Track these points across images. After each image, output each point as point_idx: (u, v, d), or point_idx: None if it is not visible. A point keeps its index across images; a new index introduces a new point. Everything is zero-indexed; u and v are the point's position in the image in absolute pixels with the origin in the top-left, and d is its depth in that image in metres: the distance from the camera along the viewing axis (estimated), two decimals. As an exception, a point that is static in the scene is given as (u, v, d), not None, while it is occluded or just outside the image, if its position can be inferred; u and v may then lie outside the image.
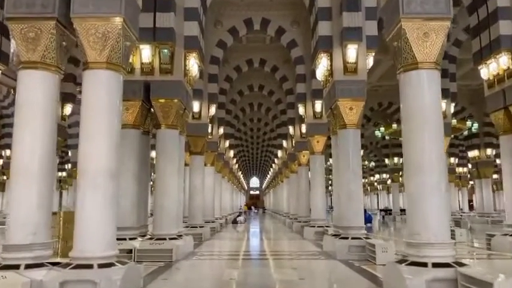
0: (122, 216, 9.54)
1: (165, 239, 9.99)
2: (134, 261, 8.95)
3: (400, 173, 34.13)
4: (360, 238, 10.14)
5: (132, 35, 6.78)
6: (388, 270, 6.67)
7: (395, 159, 34.05)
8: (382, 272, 7.31)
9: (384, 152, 36.11)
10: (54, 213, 8.14)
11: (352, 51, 10.85)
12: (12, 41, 6.44)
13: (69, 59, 14.51)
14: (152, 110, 10.74)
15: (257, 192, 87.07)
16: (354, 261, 9.54)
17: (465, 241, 14.71)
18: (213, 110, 17.67)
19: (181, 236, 10.88)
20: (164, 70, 10.59)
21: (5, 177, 27.30)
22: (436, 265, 5.85)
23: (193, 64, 11.24)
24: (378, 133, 25.91)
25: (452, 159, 27.55)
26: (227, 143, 25.92)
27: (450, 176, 24.46)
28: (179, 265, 9.33)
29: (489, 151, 27.78)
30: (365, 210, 12.11)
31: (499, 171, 33.78)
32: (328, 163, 25.56)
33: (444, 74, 13.53)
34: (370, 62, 11.61)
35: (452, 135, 20.39)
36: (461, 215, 28.77)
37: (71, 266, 5.76)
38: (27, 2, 6.38)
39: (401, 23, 6.54)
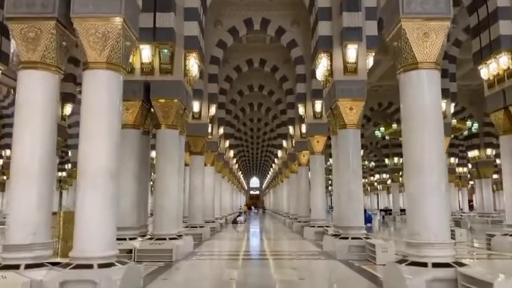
0: (122, 216, 9.53)
1: (165, 239, 9.99)
2: (134, 261, 8.95)
3: (400, 173, 34.12)
4: (360, 238, 10.14)
5: (132, 35, 6.78)
6: (388, 270, 6.66)
7: (395, 159, 34.06)
8: (382, 272, 7.31)
9: (384, 152, 36.11)
10: (54, 213, 8.14)
11: (352, 51, 10.85)
12: (12, 41, 6.44)
13: (69, 59, 14.49)
14: (152, 110, 10.74)
15: (257, 192, 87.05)
16: (354, 261, 9.54)
17: (465, 241, 14.71)
18: (213, 110, 17.67)
19: (181, 236, 10.88)
20: (164, 70, 10.59)
21: (5, 177, 27.30)
22: (436, 265, 5.85)
23: (193, 64, 11.24)
24: (377, 133, 25.92)
25: (452, 159, 27.55)
26: (227, 143, 25.92)
27: (450, 176, 24.46)
28: (179, 265, 9.32)
29: (489, 151, 27.78)
30: (365, 210, 12.12)
31: (499, 171, 33.77)
32: (328, 163, 25.56)
33: (444, 74, 13.53)
34: (370, 62, 11.61)
35: (452, 135, 20.39)
36: (461, 215, 28.76)
37: (71, 266, 5.76)
38: (27, 2, 6.38)
39: (401, 23, 6.54)
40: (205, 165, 17.61)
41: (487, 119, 25.65)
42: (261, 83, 24.49)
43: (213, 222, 18.77)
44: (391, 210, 37.90)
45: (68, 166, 31.20)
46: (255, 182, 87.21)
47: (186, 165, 15.39)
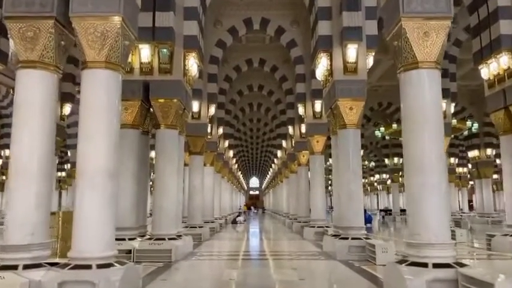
0: (121, 216, 9.50)
1: (164, 239, 9.96)
2: (133, 261, 8.92)
3: (400, 173, 34.09)
4: (360, 238, 10.11)
5: (131, 34, 6.76)
6: (389, 270, 6.64)
7: (395, 159, 34.03)
8: (382, 273, 7.28)
9: (383, 152, 36.08)
10: (53, 213, 8.11)
11: (352, 50, 10.82)
12: (11, 40, 6.41)
13: (68, 59, 14.52)
14: (151, 109, 10.71)
15: (257, 192, 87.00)
16: (354, 261, 9.52)
17: (465, 241, 14.68)
18: (212, 110, 17.64)
19: (180, 236, 10.85)
20: (163, 70, 10.55)
21: (4, 177, 27.25)
22: (436, 265, 5.83)
23: (192, 64, 11.20)
24: (377, 133, 25.89)
25: (452, 159, 27.52)
26: (226, 143, 25.88)
27: (450, 176, 24.41)
28: (178, 265, 9.29)
29: (489, 151, 27.75)
30: (365, 211, 12.08)
31: (499, 171, 33.80)
32: (328, 163, 25.54)
33: (444, 73, 13.49)
34: (370, 61, 11.59)
35: (452, 135, 20.37)
36: (461, 215, 28.74)
37: (69, 267, 5.73)
38: (26, 1, 6.36)
39: (401, 22, 6.52)
40: (204, 165, 17.58)
41: (487, 119, 25.62)
42: (261, 83, 24.46)
43: (212, 222, 18.75)
44: (391, 210, 37.86)
45: (67, 166, 31.16)
46: (254, 182, 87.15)
47: (185, 165, 15.36)
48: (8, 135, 6.35)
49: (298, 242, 15.07)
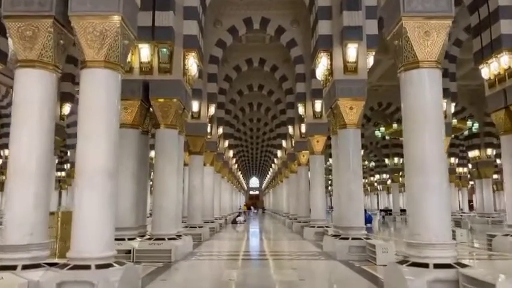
0: (121, 216, 9.48)
1: (164, 239, 9.93)
2: (133, 261, 8.91)
3: (400, 173, 34.08)
4: (360, 238, 10.08)
5: (131, 34, 6.72)
6: (389, 271, 6.61)
7: (396, 159, 34.01)
8: (382, 273, 7.26)
9: (384, 152, 36.07)
10: (52, 213, 8.07)
11: (352, 50, 10.79)
12: (10, 39, 6.37)
13: (68, 59, 14.49)
14: (151, 109, 10.68)
15: (257, 192, 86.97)
16: (354, 261, 9.49)
17: (466, 241, 14.65)
18: (212, 109, 17.61)
19: (180, 236, 10.82)
20: (163, 69, 10.53)
21: (4, 177, 27.23)
22: (437, 266, 5.80)
23: (192, 63, 11.17)
24: (378, 133, 25.85)
25: (452, 159, 27.50)
26: (226, 143, 25.85)
27: (450, 176, 24.34)
28: (178, 266, 9.27)
29: (489, 151, 27.72)
30: (365, 211, 12.05)
31: (499, 171, 33.80)
32: (328, 163, 25.50)
33: (444, 73, 13.47)
34: (371, 61, 11.56)
35: (453, 135, 20.34)
36: (461, 215, 28.72)
37: (68, 267, 5.70)
38: (25, 0, 6.32)
39: (402, 22, 6.49)
40: (204, 165, 17.56)
41: (487, 118, 25.63)
42: (261, 82, 24.43)
43: (212, 222, 18.72)
44: (391, 210, 37.85)
45: (67, 166, 31.13)
46: (254, 182, 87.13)
47: (185, 165, 15.34)
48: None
49: (298, 242, 15.04)
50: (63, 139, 19.34)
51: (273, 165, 40.34)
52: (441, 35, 6.48)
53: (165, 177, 10.48)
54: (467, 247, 13.53)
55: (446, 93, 15.89)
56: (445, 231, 6.17)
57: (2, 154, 23.93)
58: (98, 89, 6.23)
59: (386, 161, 35.96)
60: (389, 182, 43.41)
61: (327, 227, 15.05)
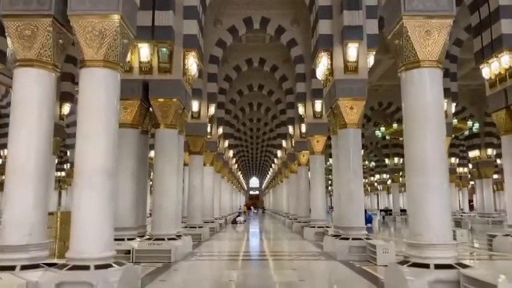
0: (121, 216, 9.48)
1: (163, 239, 9.90)
2: (132, 261, 8.88)
3: (400, 173, 34.07)
4: (360, 239, 10.05)
5: (130, 33, 6.69)
6: (390, 271, 6.58)
7: (396, 159, 33.98)
8: (383, 273, 7.23)
9: (384, 152, 36.04)
10: (51, 214, 8.04)
11: (352, 50, 10.76)
12: (8, 38, 6.34)
13: (67, 58, 14.44)
14: (151, 109, 10.65)
15: (257, 192, 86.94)
16: (355, 262, 9.46)
17: (466, 242, 14.62)
18: (212, 109, 17.59)
19: (180, 236, 10.79)
20: (163, 69, 10.50)
21: (3, 177, 27.17)
22: (438, 266, 5.77)
23: (192, 63, 11.14)
24: (378, 133, 25.83)
25: (452, 159, 27.46)
26: (226, 143, 25.83)
27: (450, 176, 24.07)
28: (178, 266, 9.23)
29: (490, 151, 27.68)
30: (365, 211, 12.02)
31: (499, 171, 33.75)
32: (328, 163, 25.48)
33: (445, 73, 13.46)
34: (371, 61, 11.53)
35: (453, 135, 20.31)
36: (461, 215, 28.68)
37: (67, 267, 5.67)
38: (24, -1, 6.29)
39: (403, 21, 6.46)
40: (204, 165, 17.53)
41: (487, 118, 25.63)
42: (261, 82, 24.40)
43: (212, 222, 18.69)
44: (391, 210, 37.83)
45: (67, 166, 31.10)
46: (254, 182, 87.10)
47: (185, 165, 15.31)
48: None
49: (298, 242, 15.01)
50: (63, 139, 19.32)
51: (273, 165, 40.32)
52: (442, 34, 6.45)
53: (164, 177, 10.45)
54: (467, 247, 13.49)
55: (447, 93, 15.86)
56: (446, 232, 6.14)
57: (1, 154, 23.90)
58: (97, 88, 6.20)
59: (387, 161, 35.93)
60: (389, 182, 43.39)
61: (327, 227, 15.02)
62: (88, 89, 6.23)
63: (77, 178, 6.01)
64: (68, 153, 26.02)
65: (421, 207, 6.19)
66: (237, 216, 30.91)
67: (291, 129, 20.81)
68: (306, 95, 17.09)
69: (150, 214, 12.15)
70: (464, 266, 5.82)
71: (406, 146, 6.63)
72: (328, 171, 26.75)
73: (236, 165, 41.16)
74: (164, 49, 10.46)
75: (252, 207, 66.39)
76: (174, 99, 10.51)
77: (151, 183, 22.29)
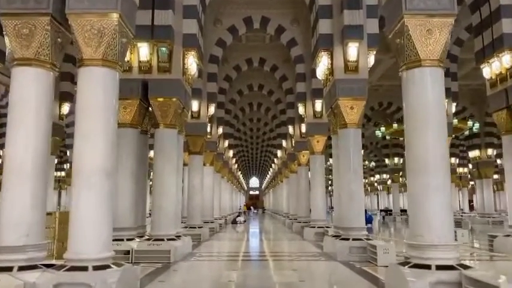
0: (120, 216, 9.45)
1: (163, 239, 9.85)
2: (132, 262, 8.84)
3: (401, 173, 34.03)
4: (361, 239, 9.99)
5: (129, 32, 6.64)
6: (391, 272, 6.53)
7: (396, 159, 33.92)
8: (383, 274, 7.19)
9: (384, 152, 35.98)
10: (49, 214, 7.98)
11: (353, 49, 10.71)
12: (6, 37, 6.28)
13: (67, 58, 14.37)
14: (150, 109, 10.60)
15: (257, 192, 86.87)
16: (355, 262, 9.41)
17: (467, 242, 14.55)
18: (212, 109, 17.55)
19: (179, 236, 10.74)
20: (162, 68, 10.45)
21: (1, 177, 27.11)
22: (439, 267, 5.72)
23: (192, 63, 11.09)
24: (378, 133, 25.79)
25: (453, 159, 27.43)
26: (226, 143, 25.78)
27: (451, 176, 24.25)
28: (177, 266, 9.18)
29: (490, 151, 27.63)
30: (365, 211, 11.97)
31: (499, 172, 33.72)
32: (328, 163, 25.43)
33: (445, 73, 13.43)
34: (371, 60, 11.48)
35: (453, 135, 20.26)
36: (461, 216, 28.63)
37: (65, 268, 5.62)
38: (22, -2, 6.24)
39: (404, 20, 6.42)
40: (204, 165, 17.49)
41: (488, 118, 25.60)
42: (261, 82, 24.35)
43: (212, 222, 18.63)
44: (391, 210, 37.80)
45: (67, 166, 31.06)
46: (254, 182, 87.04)
47: (184, 165, 15.26)
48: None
49: (299, 243, 14.96)
50: (63, 139, 19.28)
51: (273, 165, 40.27)
52: (443, 33, 6.41)
53: (164, 177, 10.40)
54: (468, 248, 13.43)
55: (448, 93, 15.70)
56: (448, 232, 6.09)
57: (1, 154, 23.88)
58: (96, 87, 6.15)
59: (387, 161, 35.89)
60: (389, 182, 43.35)
61: (327, 227, 14.96)
62: (86, 88, 6.18)
63: (75, 178, 5.96)
64: (68, 153, 25.95)
65: (422, 207, 6.15)
66: (237, 216, 30.87)
67: (291, 129, 20.77)
68: (306, 95, 17.04)
69: (150, 214, 12.09)
70: (466, 267, 5.77)
71: (407, 145, 6.58)
72: (328, 171, 26.70)
73: (236, 165, 41.11)
74: (164, 48, 10.41)
75: (252, 207, 66.30)
76: (174, 99, 10.46)
77: (150, 183, 22.24)
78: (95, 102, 6.10)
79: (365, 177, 48.27)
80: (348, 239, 10.07)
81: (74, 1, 6.14)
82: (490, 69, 11.90)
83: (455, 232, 13.17)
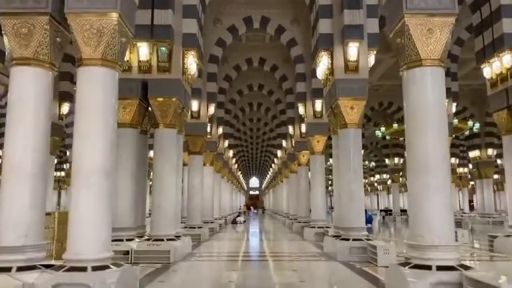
0: (120, 216, 9.43)
1: (162, 240, 9.82)
2: (131, 262, 8.82)
3: (401, 173, 34.00)
4: (361, 239, 9.96)
5: (128, 31, 6.61)
6: (391, 272, 6.51)
7: (396, 160, 33.90)
8: (384, 274, 7.16)
9: (384, 152, 35.96)
10: (48, 214, 7.96)
11: (353, 49, 10.68)
12: (5, 37, 6.25)
13: (66, 58, 14.35)
14: (150, 108, 10.57)
15: (257, 192, 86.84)
16: (355, 262, 9.38)
17: (467, 242, 14.52)
18: (212, 109, 17.52)
19: (179, 236, 10.71)
20: (162, 68, 10.43)
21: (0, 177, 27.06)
22: (440, 268, 5.70)
23: (191, 62, 11.06)
24: (378, 133, 25.77)
25: (453, 160, 27.40)
26: (226, 143, 25.76)
27: (451, 176, 24.26)
28: (177, 267, 9.15)
29: (490, 151, 27.61)
30: (365, 211, 11.94)
31: (500, 172, 33.69)
32: (328, 163, 25.41)
33: (446, 72, 13.41)
34: (372, 60, 11.45)
35: (454, 135, 20.24)
36: (461, 216, 28.59)
37: (64, 269, 5.59)
38: (20, -3, 6.21)
39: (404, 19, 6.40)
40: (204, 165, 17.46)
41: (488, 118, 25.56)
42: (261, 82, 24.32)
43: (212, 222, 18.61)
44: (391, 210, 37.77)
45: (67, 166, 31.03)
46: (254, 182, 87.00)
47: (184, 165, 15.23)
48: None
49: (299, 243, 14.94)
50: (62, 139, 19.24)
51: (273, 165, 40.24)
52: (444, 32, 6.39)
53: (164, 177, 10.38)
54: (468, 248, 13.40)
55: (448, 92, 15.75)
56: (448, 233, 6.07)
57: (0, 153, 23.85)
58: (95, 87, 6.12)
59: (387, 161, 35.87)
60: (389, 182, 43.33)
61: (327, 227, 14.93)
62: (86, 88, 6.15)
63: (74, 178, 5.94)
64: (68, 153, 25.92)
65: (423, 207, 6.12)
66: (237, 216, 30.85)
67: (291, 129, 20.74)
68: (306, 95, 17.01)
69: (150, 214, 12.06)
70: (467, 268, 5.75)
71: (408, 145, 6.56)
72: (329, 171, 26.68)
73: (236, 165, 41.08)
74: (163, 48, 10.39)
75: (252, 208, 66.29)
76: (173, 99, 10.43)
77: (150, 183, 22.22)
78: (94, 102, 6.08)
79: (365, 177, 48.25)
80: (348, 239, 10.05)
81: (73, 0, 6.12)
82: (490, 69, 11.87)
83: (455, 232, 13.23)
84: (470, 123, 22.13)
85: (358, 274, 8.23)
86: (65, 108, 16.10)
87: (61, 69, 9.06)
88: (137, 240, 9.89)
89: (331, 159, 19.65)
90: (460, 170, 34.31)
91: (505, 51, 11.20)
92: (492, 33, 11.63)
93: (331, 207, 32.19)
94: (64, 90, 15.90)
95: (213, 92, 17.64)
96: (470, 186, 43.22)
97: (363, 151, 11.98)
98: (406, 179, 6.65)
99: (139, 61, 10.37)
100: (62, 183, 35.34)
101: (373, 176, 53.11)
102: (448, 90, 15.77)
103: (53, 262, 6.53)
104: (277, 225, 27.47)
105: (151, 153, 13.74)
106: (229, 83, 21.46)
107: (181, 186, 13.40)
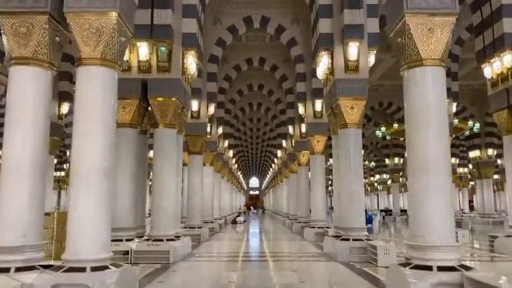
0: (119, 216, 9.40)
1: (162, 240, 9.79)
2: (131, 263, 8.79)
3: (401, 173, 33.97)
4: (361, 240, 9.94)
5: (127, 31, 6.58)
6: (391, 273, 6.48)
7: (396, 160, 33.88)
8: (384, 275, 7.14)
9: (384, 152, 35.93)
10: (47, 214, 7.92)
11: (353, 49, 10.66)
12: (4, 36, 6.23)
13: (66, 57, 14.33)
14: (150, 108, 10.54)
15: (257, 192, 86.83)
16: (355, 263, 9.36)
17: (467, 242, 14.49)
18: (212, 109, 17.50)
19: (179, 237, 10.69)
20: (162, 68, 10.40)
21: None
22: (441, 268, 5.68)
23: (191, 62, 11.04)
24: (378, 133, 25.75)
25: (453, 160, 27.36)
26: (226, 143, 25.74)
27: (451, 176, 24.23)
28: (176, 267, 9.13)
29: (490, 151, 27.57)
30: (365, 211, 11.92)
31: (500, 172, 33.67)
32: (328, 163, 25.39)
33: (446, 72, 13.40)
34: (372, 60, 11.43)
35: (454, 135, 20.21)
36: (461, 216, 28.56)
37: (62, 269, 5.57)
38: (19, -4, 6.18)
39: (405, 18, 6.38)
40: (204, 165, 17.44)
41: (488, 118, 25.53)
42: (261, 82, 24.30)
43: (211, 222, 18.58)
44: (391, 210, 37.75)
45: (66, 166, 31.00)
46: (254, 182, 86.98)
47: (184, 165, 15.20)
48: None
49: (299, 243, 14.91)
50: (62, 139, 19.19)
51: (273, 165, 40.22)
52: (445, 32, 6.37)
53: (163, 177, 10.35)
54: (469, 248, 13.37)
55: (448, 92, 15.73)
56: (449, 233, 6.05)
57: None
58: (94, 87, 6.10)
59: (387, 161, 35.84)
60: (389, 182, 43.29)
61: (327, 227, 14.91)
62: (85, 88, 6.13)
63: (74, 178, 5.91)
64: (67, 153, 25.89)
65: (423, 208, 6.10)
66: (237, 216, 30.83)
67: (291, 129, 20.72)
68: (306, 95, 16.99)
69: (149, 214, 12.04)
70: (468, 268, 5.73)
71: (408, 145, 6.53)
72: (329, 171, 26.66)
73: (236, 165, 41.06)
74: (163, 48, 10.36)
75: (251, 208, 66.27)
76: (173, 99, 10.41)
77: (150, 183, 22.23)
78: (94, 101, 6.05)
79: (365, 177, 48.22)
80: (348, 240, 10.02)
81: (72, 0, 6.09)
82: (491, 69, 11.85)
83: (456, 233, 13.21)
84: (470, 123, 22.12)
85: (358, 274, 8.20)
86: (65, 108, 16.05)
87: (60, 69, 9.03)
88: (137, 240, 9.87)
89: (331, 159, 19.63)
90: (460, 170, 34.28)
91: (505, 51, 11.18)
92: (493, 33, 11.61)
93: (331, 207, 32.16)
94: (63, 90, 15.87)
95: (213, 92, 17.62)
96: (470, 186, 43.20)
97: (363, 151, 11.96)
98: (406, 179, 6.63)
99: (138, 61, 10.34)
100: (61, 183, 35.32)
101: (373, 176, 53.07)
102: (448, 90, 15.78)
103: (52, 262, 6.50)
104: (277, 225, 27.45)
105: (151, 153, 13.72)
106: (229, 83, 21.44)
107: (181, 186, 13.38)
